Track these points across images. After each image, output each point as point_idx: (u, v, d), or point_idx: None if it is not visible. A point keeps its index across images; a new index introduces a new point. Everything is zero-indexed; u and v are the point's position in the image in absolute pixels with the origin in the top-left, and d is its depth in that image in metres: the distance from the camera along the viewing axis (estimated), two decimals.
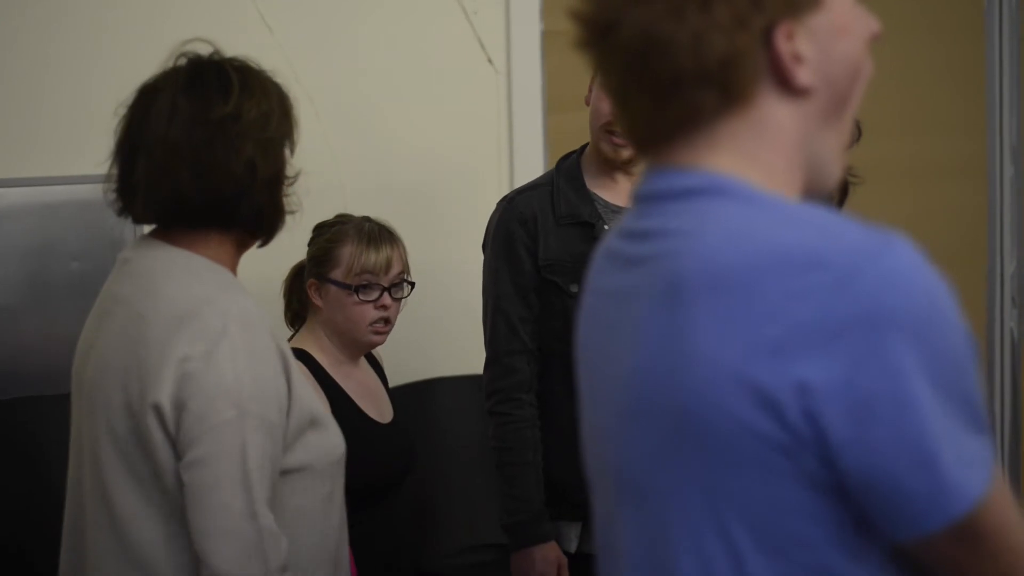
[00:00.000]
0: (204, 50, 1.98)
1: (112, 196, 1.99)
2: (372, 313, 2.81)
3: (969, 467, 1.12)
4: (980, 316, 4.35)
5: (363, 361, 2.96)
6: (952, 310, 1.13)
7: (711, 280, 1.16)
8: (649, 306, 1.21)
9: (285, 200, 1.98)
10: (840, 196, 2.41)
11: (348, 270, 2.81)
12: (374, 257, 2.81)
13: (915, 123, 4.30)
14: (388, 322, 2.84)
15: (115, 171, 1.98)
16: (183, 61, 1.97)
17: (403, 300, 2.88)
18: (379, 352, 3.04)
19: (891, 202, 3.99)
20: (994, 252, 4.37)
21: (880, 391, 1.10)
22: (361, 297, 2.81)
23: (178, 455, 1.88)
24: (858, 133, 2.29)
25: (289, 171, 1.98)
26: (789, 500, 1.14)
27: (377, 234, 2.86)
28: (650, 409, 1.20)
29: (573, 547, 2.80)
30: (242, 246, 2.01)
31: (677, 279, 1.19)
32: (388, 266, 2.82)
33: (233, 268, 2.00)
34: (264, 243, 2.02)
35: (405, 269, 2.87)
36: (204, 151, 1.90)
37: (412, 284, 2.89)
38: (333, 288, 2.83)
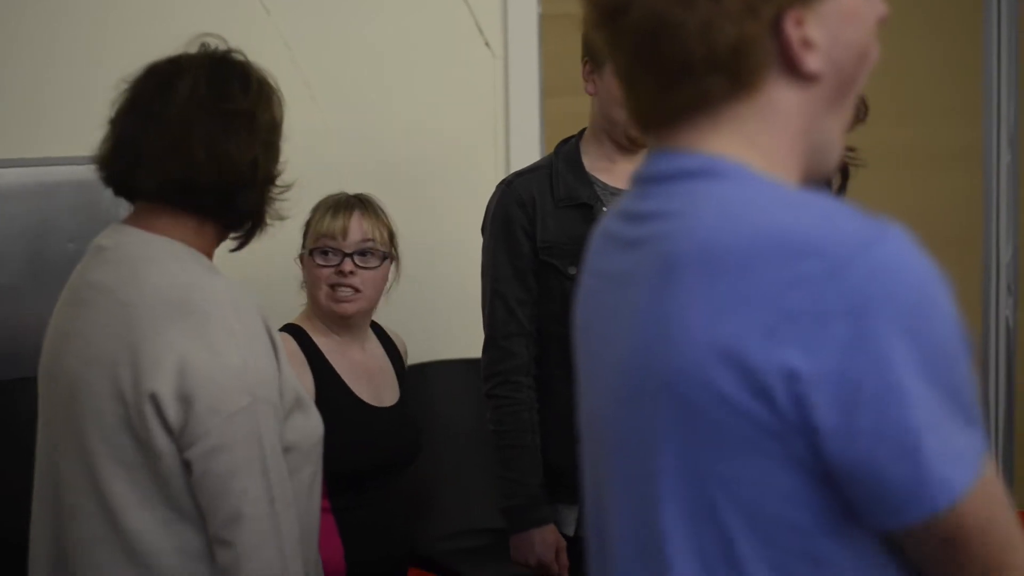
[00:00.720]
0: (220, 45, 2.01)
1: (101, 165, 1.99)
2: (331, 278, 2.83)
3: (955, 461, 1.11)
4: (975, 304, 4.35)
5: (371, 342, 2.96)
6: (946, 302, 1.13)
7: (705, 262, 1.16)
8: (646, 288, 1.21)
9: (272, 206, 2.02)
10: (841, 179, 2.40)
11: (311, 237, 2.87)
12: (329, 222, 2.85)
13: (912, 111, 4.30)
14: (353, 289, 2.84)
15: (111, 140, 1.99)
16: (203, 50, 2.00)
17: (379, 271, 2.87)
18: (398, 334, 3.04)
19: (888, 189, 3.99)
20: (990, 240, 4.37)
21: (868, 380, 1.10)
22: (319, 261, 2.85)
23: (181, 444, 1.88)
24: (864, 111, 2.28)
25: (280, 180, 2.03)
26: (778, 484, 1.14)
27: (344, 202, 2.89)
28: (643, 391, 1.20)
29: (571, 530, 2.81)
30: (218, 239, 2.03)
31: (672, 260, 1.18)
32: (346, 231, 2.84)
33: (210, 258, 2.01)
34: (242, 245, 2.05)
35: (375, 238, 2.87)
36: (220, 138, 1.93)
37: (386, 255, 2.89)
38: (305, 258, 2.89)
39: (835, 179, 2.38)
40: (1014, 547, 1.15)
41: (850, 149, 2.33)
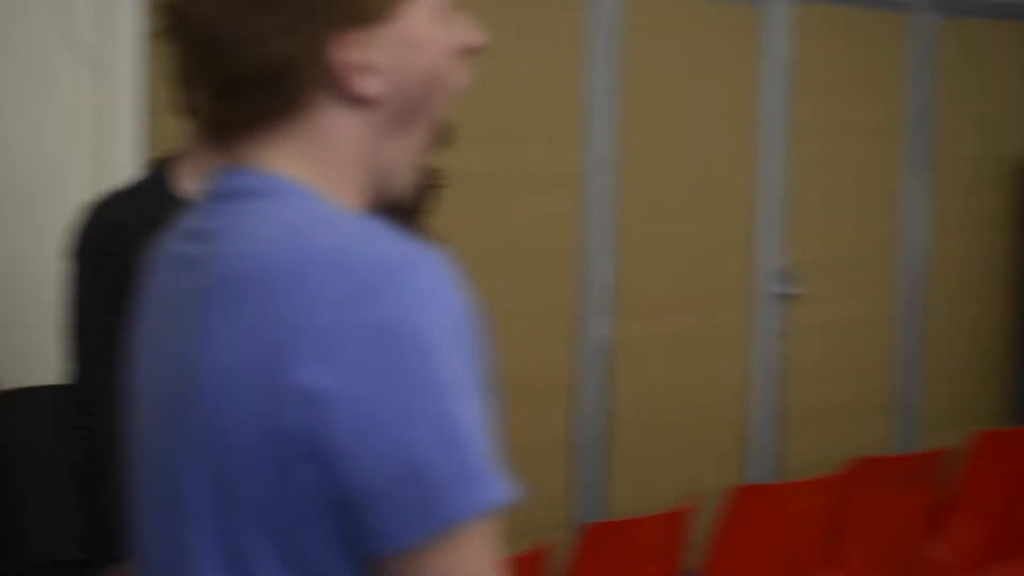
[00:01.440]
0: None
1: None
2: None
3: (465, 487, 1.11)
4: (571, 323, 4.50)
5: None
6: (468, 335, 1.14)
7: (239, 284, 1.15)
8: (185, 312, 1.20)
9: None
10: (421, 201, 2.43)
11: None
12: None
13: (511, 133, 4.42)
14: None
15: None
16: None
17: None
18: None
19: (489, 211, 4.09)
20: (587, 260, 4.54)
21: (386, 402, 1.10)
22: None
23: None
24: (450, 134, 2.33)
25: None
26: (299, 515, 1.12)
27: None
28: (174, 414, 1.19)
29: None
30: None
31: (208, 283, 1.18)
32: None
33: None
34: None
35: None
36: None
37: None
38: None
39: (413, 201, 2.41)
40: None
41: (432, 171, 2.37)
